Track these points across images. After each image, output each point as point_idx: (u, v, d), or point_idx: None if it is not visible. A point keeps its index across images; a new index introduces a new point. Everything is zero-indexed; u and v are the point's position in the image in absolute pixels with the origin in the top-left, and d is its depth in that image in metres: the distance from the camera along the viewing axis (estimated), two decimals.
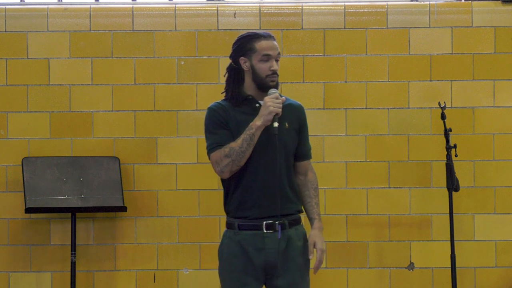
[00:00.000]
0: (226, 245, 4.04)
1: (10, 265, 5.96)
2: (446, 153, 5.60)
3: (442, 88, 6.00)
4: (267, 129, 3.91)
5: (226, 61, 6.01)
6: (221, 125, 3.98)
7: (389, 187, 5.98)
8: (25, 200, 5.65)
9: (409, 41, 6.01)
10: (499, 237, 5.98)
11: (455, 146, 5.59)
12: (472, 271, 5.97)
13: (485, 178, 5.98)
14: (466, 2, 6.03)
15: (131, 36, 5.99)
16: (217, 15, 6.01)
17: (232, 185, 4.01)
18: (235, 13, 6.01)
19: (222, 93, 4.12)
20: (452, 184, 5.56)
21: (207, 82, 5.98)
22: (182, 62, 5.99)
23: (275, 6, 6.02)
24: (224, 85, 4.09)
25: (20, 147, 5.95)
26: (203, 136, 5.95)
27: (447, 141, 5.60)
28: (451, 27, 6.00)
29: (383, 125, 5.99)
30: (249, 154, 3.91)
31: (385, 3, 6.03)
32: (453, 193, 5.61)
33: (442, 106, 5.66)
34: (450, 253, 5.60)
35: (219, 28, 6.00)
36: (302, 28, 5.98)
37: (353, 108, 5.98)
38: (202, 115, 5.98)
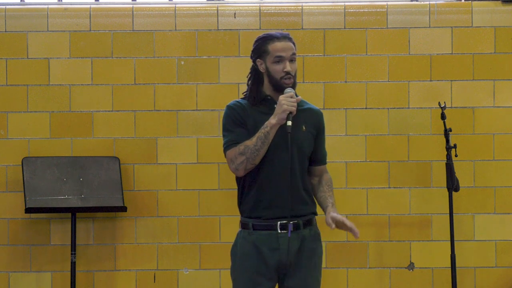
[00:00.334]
0: (240, 245, 4.05)
1: (10, 265, 5.96)
2: (446, 153, 5.61)
3: (442, 88, 6.00)
4: (283, 129, 3.93)
5: (226, 61, 6.05)
6: (238, 123, 4.02)
7: (389, 187, 5.98)
8: (25, 200, 5.65)
9: (409, 41, 6.01)
10: (499, 237, 5.98)
11: (455, 146, 5.59)
12: (472, 271, 5.97)
13: (485, 178, 5.98)
14: (466, 2, 6.04)
15: (131, 36, 5.99)
16: (217, 15, 6.01)
17: (247, 185, 4.04)
18: (235, 13, 6.01)
19: (243, 93, 4.16)
20: (452, 184, 5.56)
21: (207, 82, 5.98)
22: (182, 62, 5.99)
23: (275, 6, 6.02)
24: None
25: (20, 147, 5.95)
26: (203, 136, 5.97)
27: (447, 141, 5.60)
28: (451, 27, 6.00)
29: (383, 125, 5.99)
30: (263, 153, 3.93)
31: (385, 3, 6.03)
32: (453, 193, 5.62)
33: (442, 106, 5.67)
34: (450, 253, 5.60)
35: (219, 28, 6.00)
36: (302, 28, 5.98)
37: (353, 108, 5.98)
38: (202, 115, 6.05)
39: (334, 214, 3.97)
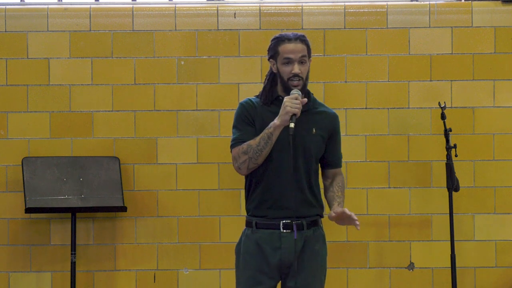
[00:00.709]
0: (243, 243, 4.08)
1: (10, 265, 5.96)
2: (446, 153, 5.61)
3: (442, 88, 6.00)
4: (288, 131, 3.93)
5: (226, 61, 6.05)
6: (247, 121, 4.05)
7: (389, 187, 5.98)
8: (25, 200, 5.65)
9: (409, 41, 6.01)
10: (499, 237, 5.98)
11: (455, 146, 5.59)
12: (472, 271, 5.97)
13: (485, 178, 5.98)
14: (466, 2, 6.03)
15: (131, 36, 5.99)
16: (217, 15, 6.01)
17: (253, 184, 4.07)
18: (235, 13, 6.01)
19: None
20: (452, 184, 5.56)
21: (207, 82, 5.98)
22: (182, 62, 5.99)
23: (275, 6, 6.02)
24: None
25: (20, 147, 5.95)
26: (203, 136, 5.98)
27: (447, 141, 5.60)
28: (451, 27, 6.00)
29: (383, 125, 5.99)
30: (266, 153, 3.95)
31: (385, 3, 6.03)
32: (453, 193, 5.62)
33: (442, 106, 5.67)
34: (450, 253, 5.60)
35: (219, 28, 6.00)
36: (302, 28, 5.98)
37: (353, 108, 5.98)
38: (202, 115, 6.05)
39: (336, 208, 4.00)
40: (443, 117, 5.64)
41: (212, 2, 6.06)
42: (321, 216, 4.11)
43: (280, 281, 4.07)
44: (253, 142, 3.95)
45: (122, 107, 5.99)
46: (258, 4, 6.03)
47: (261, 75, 5.93)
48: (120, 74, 5.98)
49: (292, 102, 3.90)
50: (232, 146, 4.04)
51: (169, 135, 5.97)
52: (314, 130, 4.05)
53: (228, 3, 6.05)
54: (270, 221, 4.01)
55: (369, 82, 6.00)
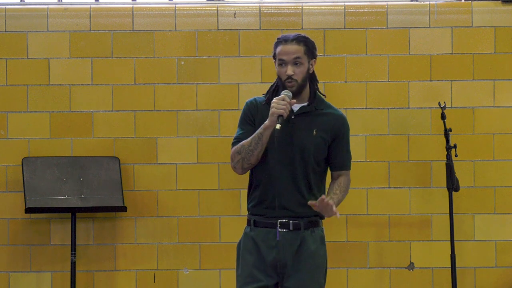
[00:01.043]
0: (242, 241, 4.11)
1: (10, 265, 5.95)
2: (446, 153, 5.61)
3: (442, 88, 6.00)
4: (286, 131, 3.95)
5: (226, 61, 6.05)
6: (248, 121, 4.08)
7: (389, 187, 5.98)
8: (25, 200, 5.65)
9: (409, 41, 6.01)
10: (499, 237, 5.98)
11: (455, 146, 5.59)
12: (472, 271, 5.97)
13: (485, 178, 5.98)
14: (466, 2, 6.03)
15: (131, 36, 5.99)
16: (217, 15, 6.01)
17: (254, 184, 4.09)
18: (235, 13, 6.01)
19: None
20: (452, 184, 5.56)
21: (207, 82, 5.98)
22: (182, 62, 5.99)
23: (275, 6, 6.02)
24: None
25: (20, 147, 5.95)
26: (203, 136, 5.98)
27: (447, 141, 5.60)
28: (451, 27, 6.00)
29: (383, 125, 5.99)
30: (258, 153, 3.96)
31: (385, 3, 6.03)
32: (453, 193, 5.62)
33: (442, 106, 5.67)
34: (450, 253, 5.60)
35: (219, 28, 6.00)
36: (302, 28, 5.98)
37: (353, 108, 5.98)
38: (202, 115, 6.05)
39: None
40: (443, 117, 5.64)
41: (212, 2, 6.06)
42: (322, 217, 4.11)
43: (279, 284, 4.07)
44: (246, 142, 3.97)
45: (122, 107, 5.99)
46: (258, 4, 6.03)
47: (261, 75, 5.94)
48: (120, 74, 5.98)
49: (278, 103, 3.90)
50: (232, 146, 4.06)
51: (169, 135, 5.97)
52: (315, 132, 4.05)
53: (228, 3, 6.05)
54: (268, 220, 4.02)
55: (369, 82, 6.00)
